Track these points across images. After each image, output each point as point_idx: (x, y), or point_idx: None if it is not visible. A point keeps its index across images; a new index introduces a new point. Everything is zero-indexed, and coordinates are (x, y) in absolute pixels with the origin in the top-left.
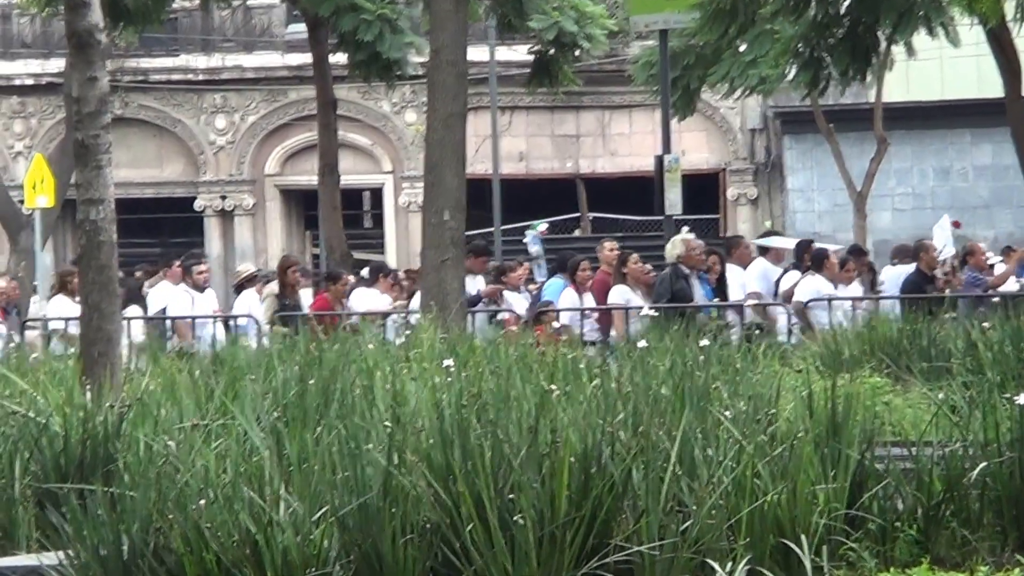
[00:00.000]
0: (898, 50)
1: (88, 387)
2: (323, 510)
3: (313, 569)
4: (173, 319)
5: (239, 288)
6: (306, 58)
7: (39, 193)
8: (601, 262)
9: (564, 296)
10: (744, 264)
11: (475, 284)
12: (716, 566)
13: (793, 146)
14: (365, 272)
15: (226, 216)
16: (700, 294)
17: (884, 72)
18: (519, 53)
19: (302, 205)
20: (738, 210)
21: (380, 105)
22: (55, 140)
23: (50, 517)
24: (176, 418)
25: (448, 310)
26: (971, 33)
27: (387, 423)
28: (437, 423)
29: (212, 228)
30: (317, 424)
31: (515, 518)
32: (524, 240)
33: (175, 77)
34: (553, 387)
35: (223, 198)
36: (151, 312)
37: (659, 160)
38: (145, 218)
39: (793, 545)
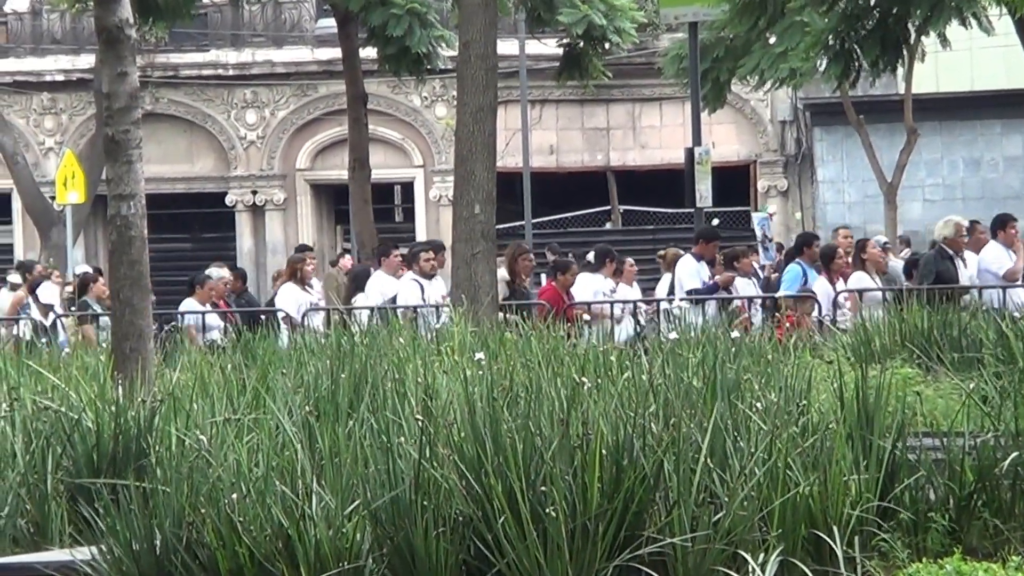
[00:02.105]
0: (928, 41)
1: (120, 382)
2: (355, 504)
3: (345, 563)
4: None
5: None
6: (336, 53)
7: (70, 189)
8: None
9: (819, 284)
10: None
11: (705, 272)
12: (748, 557)
13: (823, 138)
14: (590, 256)
15: (257, 211)
16: (965, 275)
17: (914, 63)
18: (549, 46)
19: (333, 200)
20: (768, 202)
21: (410, 99)
22: (86, 136)
23: (83, 512)
24: (208, 412)
25: (479, 303)
26: (1000, 23)
27: (419, 416)
28: (468, 416)
29: (243, 223)
30: (349, 418)
31: (547, 511)
32: (752, 224)
33: (205, 72)
34: (584, 379)
35: (254, 193)
36: (370, 300)
37: (689, 152)
38: (176, 213)
39: (825, 536)
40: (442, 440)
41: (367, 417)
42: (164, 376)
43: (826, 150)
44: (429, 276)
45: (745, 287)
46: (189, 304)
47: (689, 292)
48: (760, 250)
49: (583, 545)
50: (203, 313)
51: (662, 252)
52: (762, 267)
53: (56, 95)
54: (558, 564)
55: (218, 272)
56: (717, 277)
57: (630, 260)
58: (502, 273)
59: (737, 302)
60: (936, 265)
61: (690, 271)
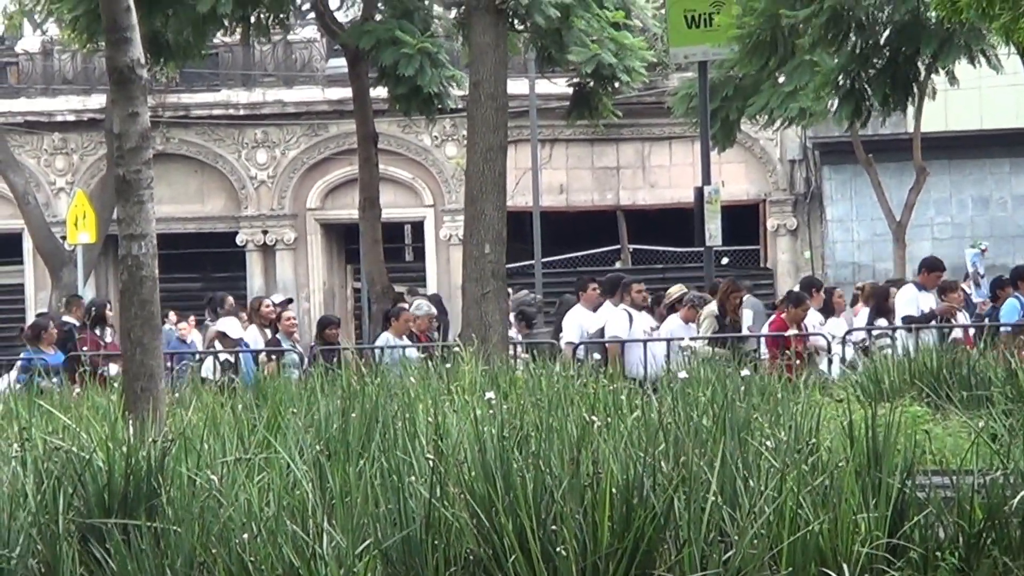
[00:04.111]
0: (938, 79)
1: (131, 422)
2: (366, 543)
3: None
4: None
5: (671, 309)
6: (346, 92)
7: (81, 229)
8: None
9: None
10: None
11: (927, 301)
12: None
13: (832, 176)
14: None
15: (267, 250)
16: None
17: (924, 102)
18: (559, 86)
19: (343, 239)
20: (778, 241)
21: (421, 139)
22: (97, 176)
23: (94, 552)
24: (219, 452)
25: (489, 342)
26: (1009, 62)
27: (429, 456)
28: (479, 455)
29: (254, 263)
30: (360, 457)
31: (558, 549)
32: (965, 260)
33: (216, 112)
34: (594, 418)
35: (264, 233)
36: (570, 335)
37: (699, 191)
38: (187, 253)
39: (835, 574)
40: (453, 479)
41: (378, 456)
42: (175, 416)
43: (835, 189)
44: (640, 307)
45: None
46: (385, 338)
47: (905, 319)
48: (971, 286)
49: None
50: (404, 347)
51: (861, 284)
52: (973, 304)
53: (67, 135)
54: None
55: (419, 303)
56: (937, 307)
57: (839, 291)
58: (711, 308)
59: (957, 332)
60: None
61: (909, 298)
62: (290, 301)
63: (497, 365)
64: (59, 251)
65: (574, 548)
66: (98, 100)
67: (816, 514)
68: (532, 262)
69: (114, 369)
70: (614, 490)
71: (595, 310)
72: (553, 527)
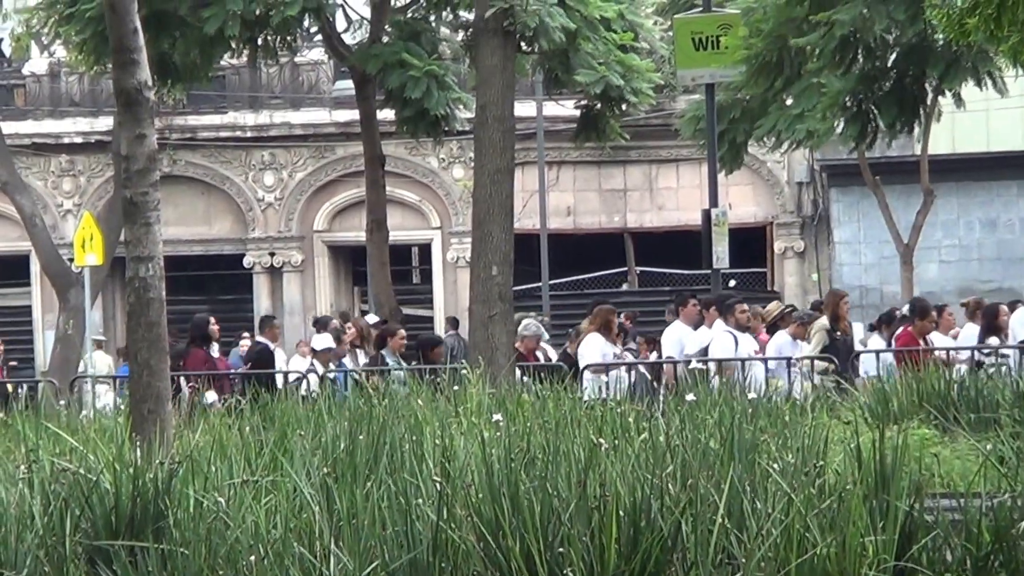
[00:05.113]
0: (945, 102)
1: (138, 444)
2: (373, 565)
3: None
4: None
5: (772, 326)
6: (353, 114)
7: (88, 251)
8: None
9: None
10: None
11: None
12: None
13: (840, 199)
14: (906, 309)
15: (275, 273)
16: None
17: (931, 124)
18: (566, 108)
19: (351, 261)
20: (785, 263)
21: (428, 161)
22: (104, 198)
23: (101, 574)
24: (226, 474)
25: (496, 364)
26: (1016, 85)
27: (436, 478)
28: (486, 478)
29: (261, 285)
30: (367, 479)
31: (564, 572)
32: None
33: (223, 134)
34: (601, 441)
35: (272, 255)
36: (670, 351)
37: (706, 214)
38: (194, 275)
39: None
40: (460, 502)
41: (385, 479)
42: (182, 438)
43: (843, 211)
44: (743, 328)
45: None
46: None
47: (1022, 341)
48: None
49: None
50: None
51: (965, 300)
52: None
53: (74, 157)
54: None
55: (527, 323)
56: None
57: (949, 308)
58: (822, 322)
59: None
60: None
61: None
62: (384, 322)
63: (504, 387)
64: (66, 273)
65: (581, 571)
66: (105, 122)
67: (823, 537)
68: (539, 284)
69: (211, 397)
70: (621, 512)
71: (696, 327)
72: (560, 549)
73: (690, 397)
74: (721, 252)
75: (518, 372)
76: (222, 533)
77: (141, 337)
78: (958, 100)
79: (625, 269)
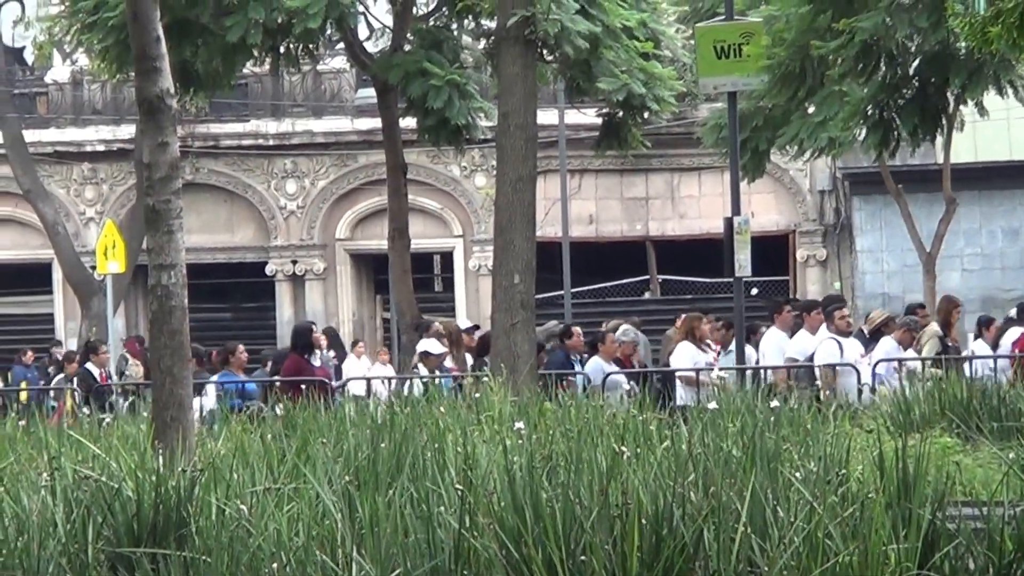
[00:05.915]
0: (966, 111)
1: (160, 451)
2: (395, 573)
3: None
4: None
5: (876, 332)
6: (375, 123)
7: (111, 259)
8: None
9: None
10: None
11: None
12: None
13: (862, 207)
14: (1012, 312)
15: (297, 281)
16: None
17: (953, 132)
18: (588, 116)
19: (372, 269)
20: (807, 272)
21: (450, 169)
22: (126, 206)
23: None
24: (248, 482)
25: (519, 373)
26: None
27: (458, 486)
28: (508, 486)
29: (283, 293)
30: (389, 487)
31: None
32: None
33: (245, 142)
34: (623, 449)
35: (294, 263)
36: (768, 358)
37: (728, 222)
38: (216, 283)
39: None
40: (482, 509)
41: (407, 486)
42: (205, 445)
43: (865, 219)
44: (846, 334)
45: None
46: (595, 362)
47: None
48: None
49: None
50: (612, 374)
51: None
52: None
53: (97, 165)
54: None
55: (625, 328)
56: None
57: None
58: (934, 328)
59: None
60: None
61: None
62: (476, 327)
63: (526, 395)
64: (89, 281)
65: None
66: (128, 130)
67: (846, 545)
68: (561, 292)
69: None
70: (643, 520)
71: (792, 334)
72: (582, 558)
73: (712, 405)
74: (743, 260)
75: (623, 378)
76: (244, 541)
77: (164, 344)
78: (981, 109)
79: (647, 277)
